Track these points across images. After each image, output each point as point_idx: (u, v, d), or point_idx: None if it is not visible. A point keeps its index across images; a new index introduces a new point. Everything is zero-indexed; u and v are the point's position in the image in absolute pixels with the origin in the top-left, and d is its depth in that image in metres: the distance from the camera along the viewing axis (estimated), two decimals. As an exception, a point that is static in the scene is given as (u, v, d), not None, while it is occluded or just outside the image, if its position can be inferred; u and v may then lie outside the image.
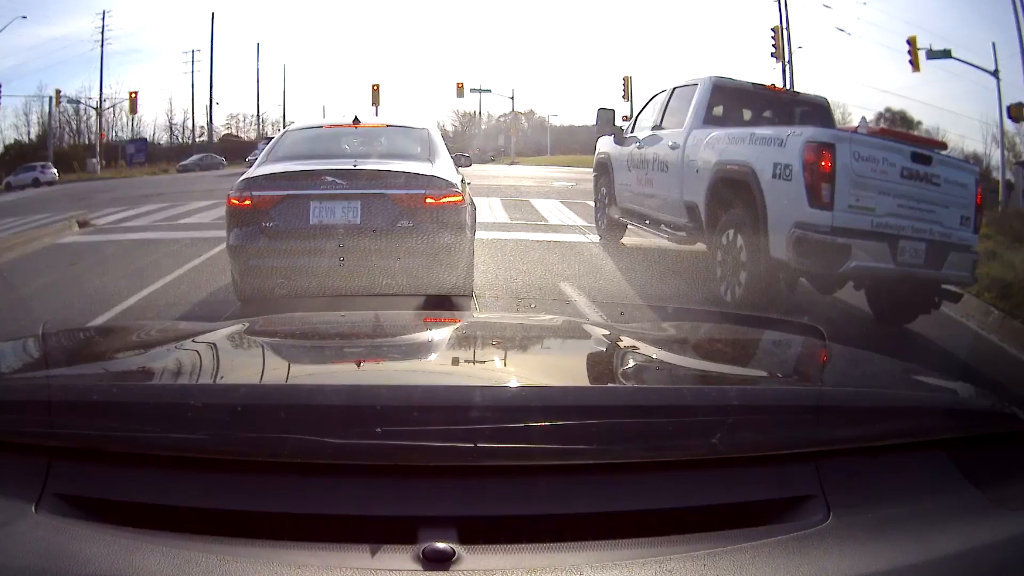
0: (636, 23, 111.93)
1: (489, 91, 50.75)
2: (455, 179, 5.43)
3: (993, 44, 28.38)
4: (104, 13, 49.62)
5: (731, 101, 7.77)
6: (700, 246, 7.40)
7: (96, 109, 49.51)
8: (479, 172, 26.22)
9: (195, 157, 44.63)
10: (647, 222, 8.26)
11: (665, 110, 8.22)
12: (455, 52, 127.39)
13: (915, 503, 1.05)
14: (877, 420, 1.16)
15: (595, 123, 10.21)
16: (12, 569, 0.87)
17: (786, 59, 32.10)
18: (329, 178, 5.08)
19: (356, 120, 6.51)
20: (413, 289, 4.87)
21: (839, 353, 1.75)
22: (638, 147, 8.47)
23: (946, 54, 26.36)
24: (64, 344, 1.70)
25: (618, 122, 10.06)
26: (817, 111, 7.93)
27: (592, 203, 11.07)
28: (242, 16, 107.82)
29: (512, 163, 42.77)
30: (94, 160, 43.67)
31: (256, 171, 5.44)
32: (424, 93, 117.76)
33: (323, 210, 5.03)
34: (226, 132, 59.73)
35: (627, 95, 38.61)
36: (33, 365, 1.53)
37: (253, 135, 56.81)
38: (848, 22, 76.24)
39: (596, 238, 10.09)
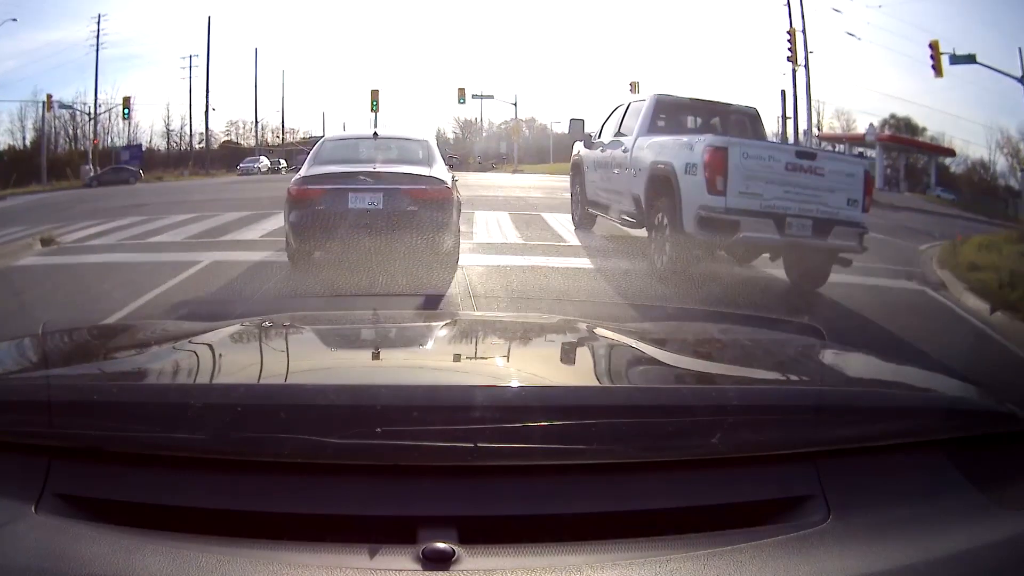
0: (639, 29, 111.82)
1: (491, 97, 48.96)
2: (447, 178, 7.85)
3: (1020, 49, 27.51)
4: (99, 17, 49.35)
5: (672, 113, 9.72)
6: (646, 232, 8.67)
7: (90, 115, 48.30)
8: (481, 181, 25.15)
9: (93, 171, 39.95)
10: (609, 212, 10.02)
11: (622, 120, 10.09)
12: (456, 58, 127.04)
13: (915, 503, 1.05)
14: (877, 420, 1.16)
15: (568, 131, 12.45)
16: (12, 569, 0.87)
17: (801, 63, 32.07)
18: (361, 176, 7.56)
19: (375, 134, 9.33)
20: (419, 250, 7.02)
21: (839, 353, 1.75)
22: (602, 151, 10.37)
23: (971, 59, 25.13)
24: (64, 344, 1.70)
25: (588, 130, 12.09)
26: (746, 119, 9.87)
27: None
28: (240, 22, 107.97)
29: (515, 171, 41.21)
30: (87, 167, 41.37)
31: (308, 171, 7.93)
32: (425, 99, 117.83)
33: (357, 198, 7.40)
34: (225, 139, 59.53)
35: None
36: (33, 365, 1.53)
37: (252, 142, 56.81)
38: (858, 27, 75.79)
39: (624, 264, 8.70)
